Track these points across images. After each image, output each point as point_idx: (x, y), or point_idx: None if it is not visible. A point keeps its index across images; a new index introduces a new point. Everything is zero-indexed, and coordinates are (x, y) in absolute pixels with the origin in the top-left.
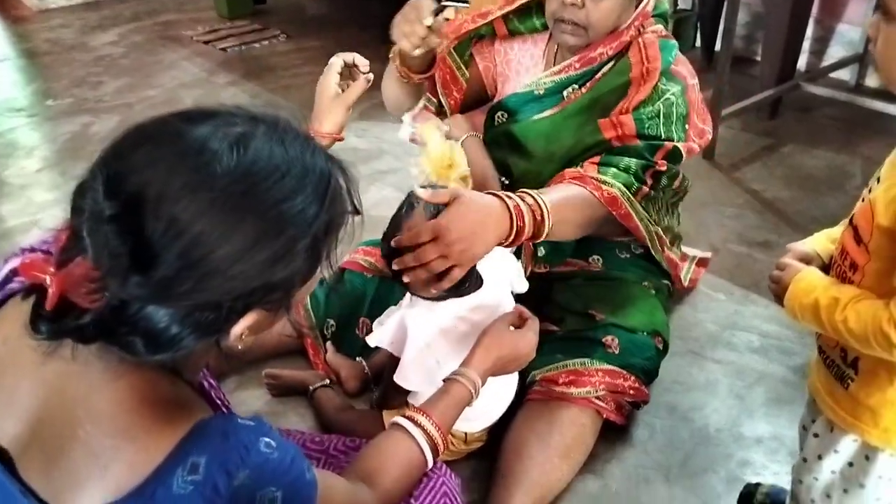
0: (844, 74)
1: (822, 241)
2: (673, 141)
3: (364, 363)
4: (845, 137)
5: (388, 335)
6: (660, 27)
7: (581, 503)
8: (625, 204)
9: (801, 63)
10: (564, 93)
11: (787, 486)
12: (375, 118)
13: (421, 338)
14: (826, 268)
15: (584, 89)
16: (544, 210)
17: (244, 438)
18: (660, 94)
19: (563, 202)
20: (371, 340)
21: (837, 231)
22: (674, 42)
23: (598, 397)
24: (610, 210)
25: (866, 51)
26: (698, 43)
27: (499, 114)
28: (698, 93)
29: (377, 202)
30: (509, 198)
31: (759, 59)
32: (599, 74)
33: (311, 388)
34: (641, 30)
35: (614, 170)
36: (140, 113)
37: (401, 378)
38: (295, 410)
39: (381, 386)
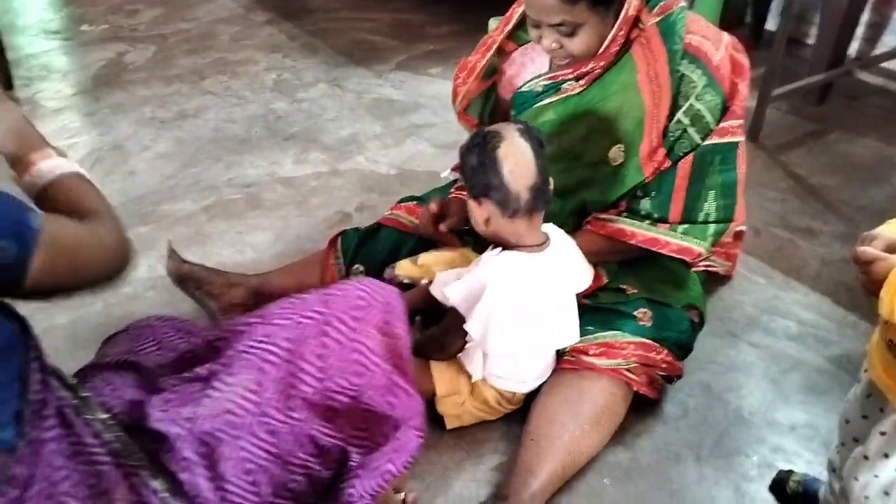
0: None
1: None
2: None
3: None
4: (894, 128)
5: (461, 292)
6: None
7: (609, 473)
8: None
9: (852, 49)
10: (562, 87)
11: (820, 476)
12: (413, 69)
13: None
14: None
15: (583, 82)
16: None
17: None
18: (682, 93)
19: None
20: (447, 292)
21: None
22: (677, 13)
23: (629, 369)
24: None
25: None
26: (748, 20)
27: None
28: (725, 62)
29: (413, 156)
30: None
31: (808, 41)
32: (599, 71)
33: None
34: (640, 25)
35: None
36: (174, 46)
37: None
38: None
39: (427, 336)
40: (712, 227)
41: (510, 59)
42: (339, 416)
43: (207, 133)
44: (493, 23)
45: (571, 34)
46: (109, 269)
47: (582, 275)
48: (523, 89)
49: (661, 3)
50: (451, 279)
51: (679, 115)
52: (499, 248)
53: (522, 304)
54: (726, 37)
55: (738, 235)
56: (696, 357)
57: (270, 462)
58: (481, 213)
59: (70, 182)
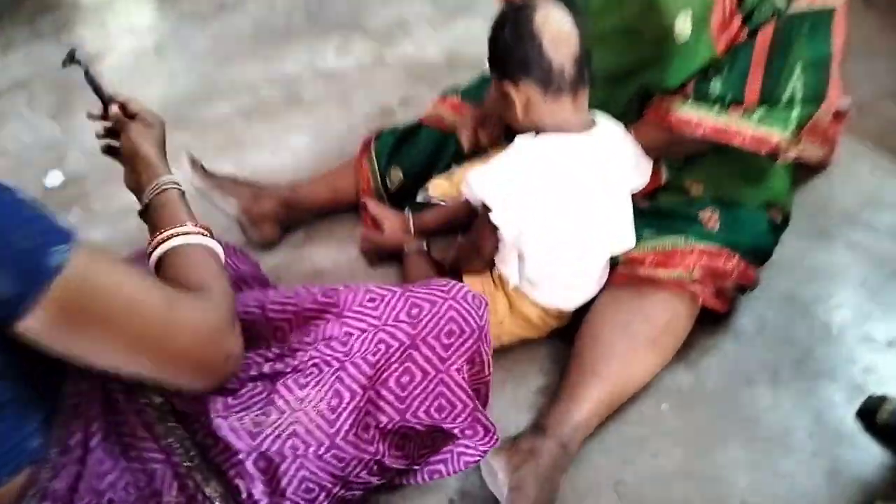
0: None
1: None
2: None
3: (409, 217)
4: None
5: (490, 179)
6: None
7: (668, 398)
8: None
9: None
10: None
11: None
12: None
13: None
14: None
15: None
16: None
17: None
18: None
19: None
20: (471, 178)
21: None
22: None
23: (693, 280)
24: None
25: None
26: None
27: None
28: None
29: (463, 36)
30: None
31: None
32: None
33: (406, 250)
34: None
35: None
36: None
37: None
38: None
39: (459, 243)
40: (797, 110)
41: None
42: (411, 441)
43: (246, 27)
44: None
45: None
46: (181, 358)
47: (637, 170)
48: None
49: None
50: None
51: None
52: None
53: (564, 193)
54: None
55: (839, 116)
56: (778, 262)
57: (333, 483)
58: (520, 98)
59: (191, 251)
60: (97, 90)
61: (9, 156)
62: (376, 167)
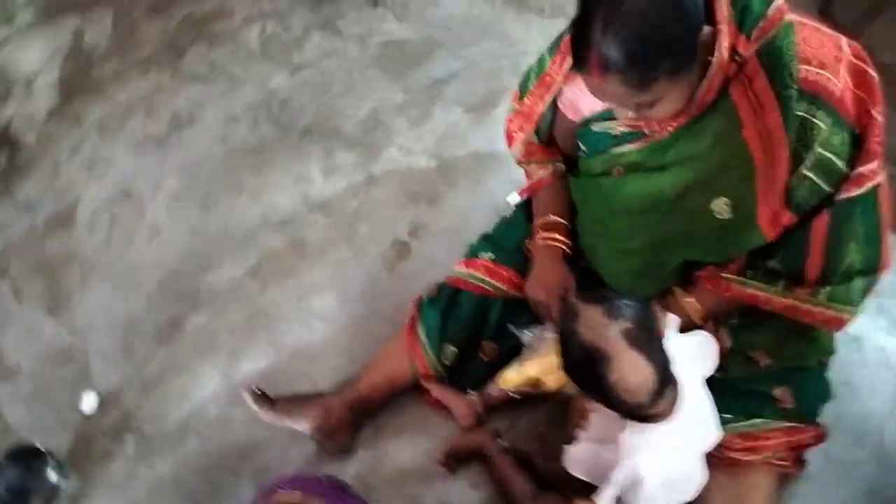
0: None
1: None
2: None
3: (476, 398)
4: None
5: (582, 465)
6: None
7: None
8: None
9: None
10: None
11: None
12: None
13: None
14: None
15: (671, 127)
16: None
17: None
18: (803, 142)
19: None
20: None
21: None
22: (783, 34)
23: (780, 459)
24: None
25: None
26: None
27: (581, 143)
28: (847, 85)
29: (448, 134)
30: None
31: None
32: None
33: (486, 451)
34: (737, 58)
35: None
36: (133, 5)
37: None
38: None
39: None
40: (859, 283)
41: (575, 85)
42: None
43: (213, 146)
44: (547, 56)
45: (651, 105)
46: None
47: (708, 358)
48: (595, 128)
49: (761, 24)
50: (588, 456)
51: (803, 169)
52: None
53: (674, 472)
54: (844, 45)
55: None
56: None
57: None
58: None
59: None
60: None
61: (22, 374)
62: (429, 350)
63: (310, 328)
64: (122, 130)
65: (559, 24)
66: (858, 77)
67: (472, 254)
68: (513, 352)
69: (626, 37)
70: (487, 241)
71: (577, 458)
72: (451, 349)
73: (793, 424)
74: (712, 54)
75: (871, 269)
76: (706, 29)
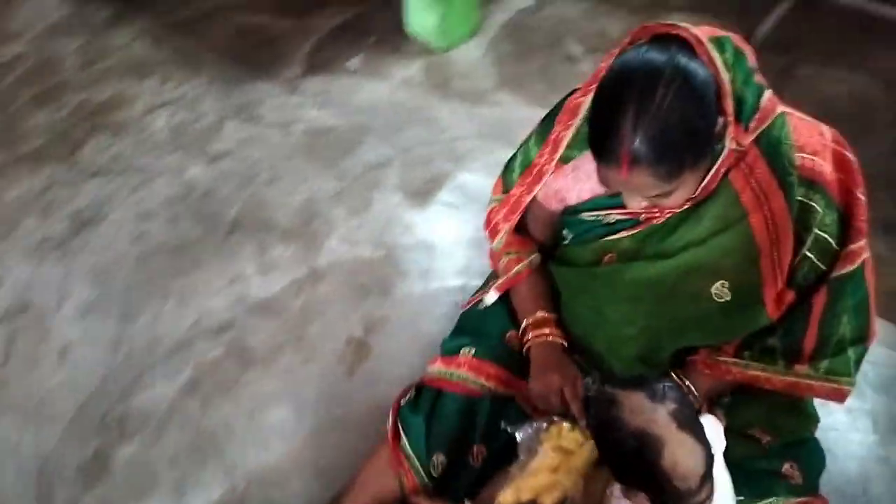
0: None
1: None
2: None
3: None
4: None
5: None
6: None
7: None
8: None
9: None
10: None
11: None
12: (327, 68)
13: None
14: None
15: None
16: None
17: None
18: (804, 225)
19: None
20: None
21: None
22: (779, 124)
23: None
24: None
25: None
26: None
27: (564, 233)
28: (832, 169)
29: (390, 220)
30: None
31: None
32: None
33: None
34: (738, 149)
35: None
36: (13, 89)
37: None
38: None
39: None
40: (852, 353)
41: (562, 175)
42: None
43: (127, 248)
44: (533, 147)
45: (669, 194)
46: None
47: (717, 437)
48: (585, 216)
49: (757, 115)
50: None
51: (804, 251)
52: None
53: None
54: (826, 131)
55: None
56: None
57: None
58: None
59: None
60: None
61: None
62: (418, 464)
63: (266, 447)
64: (14, 233)
65: (486, 111)
66: (839, 160)
67: (450, 350)
68: (503, 452)
69: (659, 132)
70: (464, 334)
71: None
72: (440, 458)
73: (804, 499)
74: (719, 143)
75: (862, 339)
76: (720, 121)
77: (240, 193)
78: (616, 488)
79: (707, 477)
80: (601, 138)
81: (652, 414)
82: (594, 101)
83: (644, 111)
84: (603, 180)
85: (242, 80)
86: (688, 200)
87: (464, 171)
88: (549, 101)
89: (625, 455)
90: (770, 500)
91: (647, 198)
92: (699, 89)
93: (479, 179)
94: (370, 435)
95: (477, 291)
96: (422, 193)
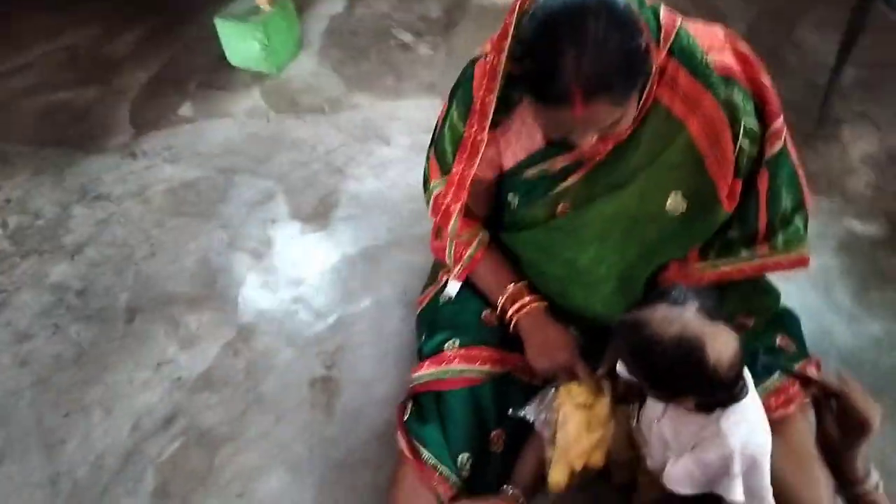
0: None
1: None
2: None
3: (511, 491)
4: None
5: (685, 480)
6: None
7: None
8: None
9: None
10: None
11: None
12: (158, 122)
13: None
14: None
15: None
16: None
17: None
18: (735, 118)
19: None
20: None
21: None
22: (682, 32)
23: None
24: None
25: None
26: None
27: (509, 197)
28: (733, 60)
29: (294, 313)
30: None
31: None
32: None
33: None
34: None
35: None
36: None
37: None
38: None
39: None
40: (798, 221)
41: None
42: None
43: (14, 378)
44: (460, 122)
45: (618, 121)
46: None
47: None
48: (528, 175)
49: (662, 30)
50: (688, 468)
51: (740, 141)
52: (719, 410)
53: (768, 441)
54: (719, 31)
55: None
56: None
57: None
58: (687, 402)
59: None
60: None
61: None
62: (447, 471)
63: None
64: None
65: (348, 116)
66: (737, 54)
67: (434, 350)
68: (521, 430)
69: (604, 61)
70: (441, 330)
71: (678, 476)
72: (465, 457)
73: (804, 362)
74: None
75: (801, 205)
76: (644, 37)
77: (121, 278)
78: (646, 413)
79: (744, 361)
80: (547, 83)
81: (682, 318)
82: (526, 52)
83: (583, 45)
84: (551, 126)
85: (71, 162)
86: (629, 127)
87: (350, 180)
88: (403, 89)
89: (671, 367)
90: (776, 374)
91: (601, 129)
92: (624, 13)
93: (370, 183)
94: (381, 463)
95: (427, 287)
96: (319, 215)
